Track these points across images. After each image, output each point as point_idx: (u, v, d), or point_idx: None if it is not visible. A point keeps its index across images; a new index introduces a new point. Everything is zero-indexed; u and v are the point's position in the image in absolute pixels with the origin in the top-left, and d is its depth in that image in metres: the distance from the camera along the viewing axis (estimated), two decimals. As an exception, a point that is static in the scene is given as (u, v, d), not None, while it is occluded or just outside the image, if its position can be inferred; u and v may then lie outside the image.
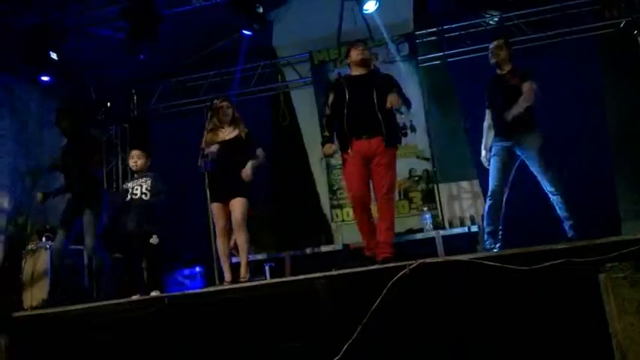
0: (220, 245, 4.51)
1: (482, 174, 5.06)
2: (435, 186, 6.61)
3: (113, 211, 4.89)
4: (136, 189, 4.68)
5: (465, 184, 6.69)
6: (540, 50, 6.72)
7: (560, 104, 6.20)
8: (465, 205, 6.63)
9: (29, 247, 5.70)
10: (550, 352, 2.56)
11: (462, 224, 6.27)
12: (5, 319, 3.66)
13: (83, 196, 4.74)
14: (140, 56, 5.90)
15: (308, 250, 6.37)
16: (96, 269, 4.76)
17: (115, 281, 4.92)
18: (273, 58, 7.61)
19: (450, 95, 6.91)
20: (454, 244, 5.81)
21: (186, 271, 6.52)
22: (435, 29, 7.12)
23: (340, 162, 4.35)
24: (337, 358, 2.74)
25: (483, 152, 4.56)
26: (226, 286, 4.13)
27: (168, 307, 3.33)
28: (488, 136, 4.53)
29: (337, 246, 6.39)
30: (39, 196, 4.87)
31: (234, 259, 4.65)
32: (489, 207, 4.32)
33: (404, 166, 6.58)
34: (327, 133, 4.23)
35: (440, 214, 6.47)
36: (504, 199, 4.30)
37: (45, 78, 6.14)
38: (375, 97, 4.01)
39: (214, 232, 4.48)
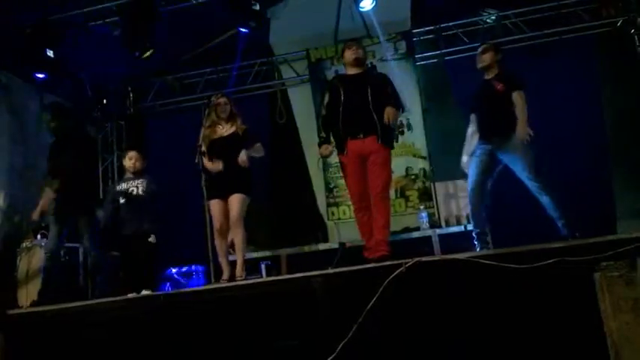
0: (218, 242, 4.46)
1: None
2: (432, 184, 6.61)
3: (111, 209, 4.87)
4: (132, 190, 4.67)
5: (461, 182, 6.65)
6: (537, 49, 6.73)
7: (557, 103, 6.22)
8: (461, 203, 6.62)
9: (24, 244, 5.68)
10: (545, 350, 2.57)
11: (459, 223, 6.27)
12: (0, 317, 3.64)
13: (75, 198, 4.67)
14: (136, 53, 5.87)
15: (304, 249, 6.37)
16: (91, 267, 4.75)
17: (111, 279, 4.91)
18: (270, 56, 7.59)
19: (447, 93, 6.91)
20: (450, 242, 5.81)
21: (184, 269, 6.50)
22: (432, 27, 7.12)
23: (337, 160, 4.35)
24: (333, 356, 2.73)
25: (465, 158, 4.50)
26: (222, 285, 4.13)
27: (164, 305, 3.33)
28: (471, 142, 4.47)
29: (333, 244, 6.39)
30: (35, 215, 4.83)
31: (230, 257, 4.63)
32: (470, 208, 4.34)
33: (400, 164, 6.59)
34: (323, 134, 4.23)
35: (436, 212, 6.47)
36: (485, 200, 4.27)
37: (40, 75, 6.12)
38: (369, 96, 4.02)
39: (211, 230, 4.46)
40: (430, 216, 6.30)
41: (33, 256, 5.52)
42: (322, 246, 6.42)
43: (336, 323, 2.81)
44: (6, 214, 5.97)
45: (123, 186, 4.77)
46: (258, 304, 3.13)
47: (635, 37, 6.42)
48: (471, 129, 4.49)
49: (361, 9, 6.29)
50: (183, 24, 6.30)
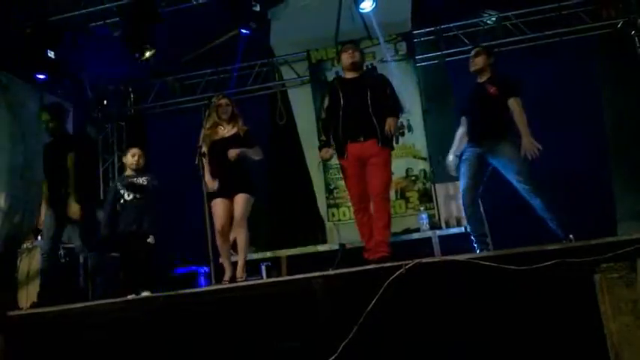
0: (220, 243, 4.43)
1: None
2: (432, 186, 6.61)
3: (110, 209, 4.86)
4: (133, 189, 4.67)
5: (461, 184, 6.69)
6: (538, 50, 6.74)
7: (557, 104, 6.22)
8: (461, 205, 6.63)
9: (25, 245, 5.69)
10: (545, 352, 2.57)
11: (459, 224, 6.25)
12: (0, 318, 3.64)
13: (64, 206, 4.60)
14: (136, 54, 5.88)
15: (304, 250, 6.36)
16: (91, 268, 4.72)
17: (111, 280, 4.90)
18: (271, 57, 7.59)
19: (447, 95, 6.91)
20: (451, 243, 5.81)
21: (184, 270, 6.49)
22: (432, 28, 7.13)
23: (337, 161, 4.35)
24: (334, 357, 2.73)
25: (450, 157, 4.45)
26: (222, 286, 4.12)
27: (164, 306, 3.33)
28: (459, 144, 4.43)
29: (333, 245, 6.39)
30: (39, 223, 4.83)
31: (232, 258, 4.62)
32: (466, 214, 4.31)
33: (401, 165, 6.59)
34: (323, 138, 4.23)
35: (437, 213, 6.47)
36: (479, 203, 4.25)
37: (41, 76, 6.12)
38: (369, 100, 4.02)
39: (212, 231, 4.45)
40: (430, 217, 6.30)
41: (33, 258, 5.51)
42: (322, 247, 6.42)
43: (337, 324, 2.81)
44: (6, 215, 5.97)
45: (122, 185, 4.77)
46: (259, 305, 3.13)
47: (636, 38, 6.43)
48: (461, 130, 4.44)
49: (362, 10, 6.29)
50: (183, 25, 6.30)
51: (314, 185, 7.19)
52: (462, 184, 4.30)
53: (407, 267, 2.82)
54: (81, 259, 5.13)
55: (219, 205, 4.38)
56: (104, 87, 7.81)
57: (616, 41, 6.61)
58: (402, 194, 6.72)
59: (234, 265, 4.47)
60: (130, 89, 8.01)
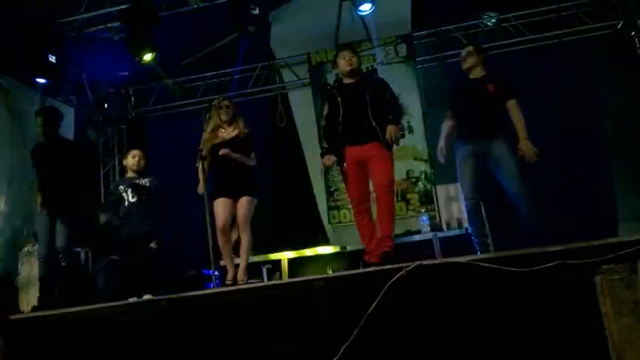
0: (222, 242, 4.42)
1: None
2: (433, 187, 6.61)
3: (113, 213, 4.87)
4: (136, 191, 4.67)
5: (462, 185, 6.69)
6: (538, 51, 6.74)
7: (557, 105, 6.22)
8: (462, 206, 6.61)
9: (25, 249, 5.68)
10: (547, 353, 2.56)
11: (460, 226, 6.25)
12: (1, 322, 3.64)
13: (60, 208, 4.62)
14: (137, 58, 5.90)
15: (305, 252, 6.36)
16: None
17: (112, 283, 4.90)
18: (271, 60, 7.61)
19: (447, 96, 6.90)
20: (452, 245, 5.80)
21: (186, 274, 6.48)
22: (433, 30, 7.13)
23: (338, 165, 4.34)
24: (335, 359, 2.73)
25: (442, 143, 4.35)
26: (224, 289, 4.12)
27: (166, 309, 3.32)
28: (451, 131, 4.33)
29: (334, 248, 6.39)
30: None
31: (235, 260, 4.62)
32: (467, 213, 4.26)
33: (401, 167, 6.59)
34: (325, 145, 4.22)
35: (437, 215, 6.46)
36: (480, 204, 4.21)
37: (41, 80, 6.13)
38: (368, 104, 4.00)
39: (213, 235, 4.44)
40: (431, 219, 6.28)
41: (34, 261, 5.51)
42: (323, 249, 6.42)
43: (338, 327, 2.80)
44: (7, 219, 5.97)
45: (124, 187, 4.77)
46: (260, 308, 3.13)
47: (636, 39, 6.42)
48: (450, 123, 4.36)
49: (360, 12, 6.29)
50: (183, 28, 6.32)
51: (314, 188, 7.20)
52: (462, 185, 4.28)
53: (408, 269, 2.81)
54: (82, 262, 5.11)
55: (220, 204, 4.39)
56: (105, 90, 7.82)
57: (616, 42, 6.61)
58: (403, 196, 6.71)
59: (236, 266, 4.47)
60: (131, 92, 8.02)
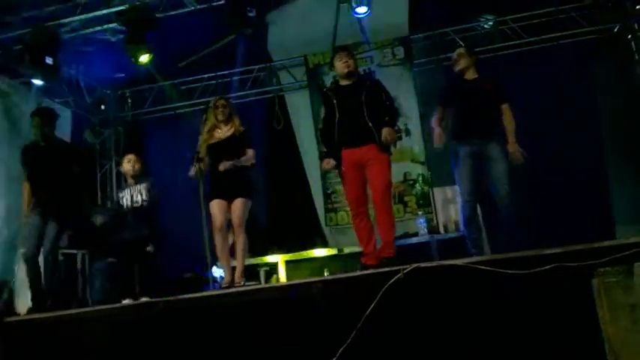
0: (219, 243, 4.41)
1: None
2: (430, 190, 6.61)
3: (108, 217, 4.86)
4: (137, 195, 4.66)
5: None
6: (535, 54, 6.76)
7: (554, 108, 6.25)
8: (459, 210, 6.64)
9: (22, 251, 5.66)
10: (543, 355, 2.57)
11: (457, 228, 6.26)
12: (-2, 324, 3.63)
13: (54, 210, 4.56)
14: (134, 59, 5.90)
15: (302, 255, 6.36)
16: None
17: (109, 286, 4.89)
18: (269, 62, 7.61)
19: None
20: (449, 248, 5.80)
21: (185, 276, 6.47)
22: (430, 33, 7.15)
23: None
24: (333, 361, 2.73)
25: (437, 129, 4.33)
26: (221, 291, 4.12)
27: (164, 311, 3.32)
28: (438, 120, 4.34)
29: (331, 250, 6.39)
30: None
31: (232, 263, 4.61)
32: (463, 214, 4.28)
33: (399, 170, 6.59)
34: (324, 149, 4.22)
35: (435, 218, 6.47)
36: (477, 208, 4.23)
37: (38, 82, 6.12)
38: (364, 106, 4.01)
39: (209, 236, 4.43)
40: (429, 221, 6.29)
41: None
42: (320, 252, 6.42)
43: (335, 329, 2.80)
44: (5, 222, 5.95)
45: (124, 193, 4.77)
46: (258, 310, 3.13)
47: (632, 42, 6.45)
48: (439, 115, 4.37)
49: (357, 15, 6.30)
50: (181, 30, 6.31)
51: (312, 190, 7.20)
52: (461, 188, 4.26)
53: (405, 271, 2.82)
54: (79, 265, 5.09)
55: (215, 206, 4.38)
56: (102, 92, 7.81)
57: (613, 45, 6.64)
58: (400, 198, 6.72)
59: (233, 269, 4.46)
60: (128, 94, 8.01)
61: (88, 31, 6.22)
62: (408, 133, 6.88)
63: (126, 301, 4.20)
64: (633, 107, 6.29)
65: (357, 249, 4.65)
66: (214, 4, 5.92)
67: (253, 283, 5.59)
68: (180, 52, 7.31)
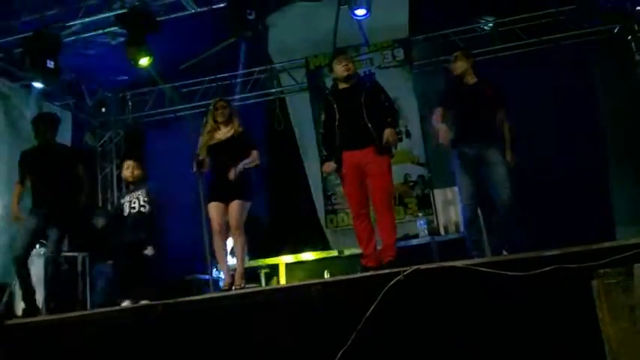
0: (218, 245, 4.39)
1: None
2: (431, 191, 6.61)
3: (109, 220, 4.87)
4: (134, 202, 4.67)
5: (460, 189, 6.69)
6: (535, 55, 6.76)
7: (554, 109, 6.25)
8: (460, 212, 6.63)
9: (13, 254, 5.66)
10: (543, 357, 2.56)
11: (458, 230, 6.25)
12: (-2, 327, 3.63)
13: (55, 214, 4.54)
14: (134, 62, 5.91)
15: (303, 256, 6.35)
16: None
17: (109, 288, 4.89)
18: (269, 64, 7.62)
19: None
20: (449, 250, 5.79)
21: (186, 278, 6.47)
22: (430, 35, 7.15)
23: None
24: (333, 364, 2.73)
25: (443, 126, 4.24)
26: (221, 293, 4.12)
27: (163, 314, 3.32)
28: (439, 118, 4.30)
29: (332, 252, 6.38)
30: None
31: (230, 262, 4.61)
32: (464, 217, 4.28)
33: (399, 171, 6.59)
34: (324, 152, 4.23)
35: (435, 219, 6.46)
36: (478, 210, 4.23)
37: (39, 85, 6.13)
38: (364, 108, 4.01)
39: (208, 239, 4.43)
40: (429, 223, 6.28)
41: (31, 266, 5.50)
42: (321, 254, 6.41)
43: (335, 331, 2.80)
44: (4, 223, 5.96)
45: (124, 199, 4.78)
46: (258, 312, 3.13)
47: (632, 43, 6.45)
48: (439, 113, 4.34)
49: (356, 17, 6.30)
50: (181, 33, 6.33)
51: (312, 192, 7.20)
52: (462, 191, 4.26)
53: (405, 273, 2.81)
54: (79, 268, 5.09)
55: (213, 208, 4.36)
56: (103, 95, 7.82)
57: (613, 46, 6.64)
58: (401, 200, 6.71)
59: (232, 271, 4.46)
60: (129, 97, 8.02)
61: (88, 34, 6.24)
62: (408, 135, 6.89)
63: (124, 304, 4.20)
64: (633, 107, 6.30)
65: (357, 251, 4.65)
66: (215, 6, 5.94)
67: (253, 285, 5.60)
68: (180, 54, 7.32)
